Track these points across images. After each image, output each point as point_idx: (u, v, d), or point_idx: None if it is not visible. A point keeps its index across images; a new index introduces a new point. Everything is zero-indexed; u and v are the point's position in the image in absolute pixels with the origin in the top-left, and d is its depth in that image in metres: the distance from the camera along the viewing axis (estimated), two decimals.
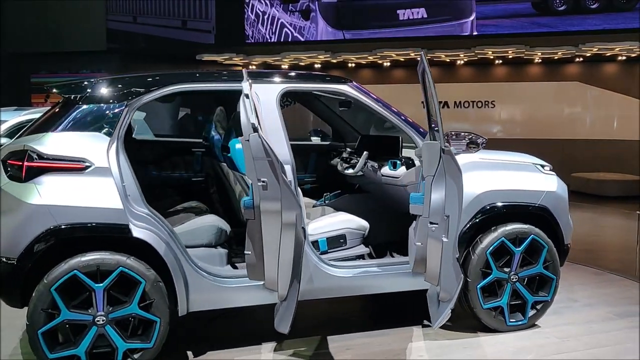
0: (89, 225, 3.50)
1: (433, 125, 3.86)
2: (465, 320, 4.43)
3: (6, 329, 4.37)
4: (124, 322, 3.57)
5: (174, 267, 3.68)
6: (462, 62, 14.26)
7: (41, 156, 3.51)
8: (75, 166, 3.54)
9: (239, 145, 4.03)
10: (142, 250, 3.63)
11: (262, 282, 3.57)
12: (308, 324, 4.39)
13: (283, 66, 14.76)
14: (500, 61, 13.88)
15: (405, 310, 4.89)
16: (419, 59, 3.88)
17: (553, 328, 4.45)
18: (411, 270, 4.06)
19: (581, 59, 13.35)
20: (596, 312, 4.88)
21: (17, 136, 4.06)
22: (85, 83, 3.97)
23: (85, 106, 3.76)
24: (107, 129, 3.69)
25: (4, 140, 6.22)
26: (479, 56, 13.18)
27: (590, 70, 13.64)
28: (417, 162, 4.37)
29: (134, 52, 12.82)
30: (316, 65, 14.90)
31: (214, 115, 4.75)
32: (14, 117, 7.46)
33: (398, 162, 4.52)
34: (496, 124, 14.22)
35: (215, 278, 3.85)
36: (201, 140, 5.32)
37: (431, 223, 3.75)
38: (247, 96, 3.43)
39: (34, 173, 3.50)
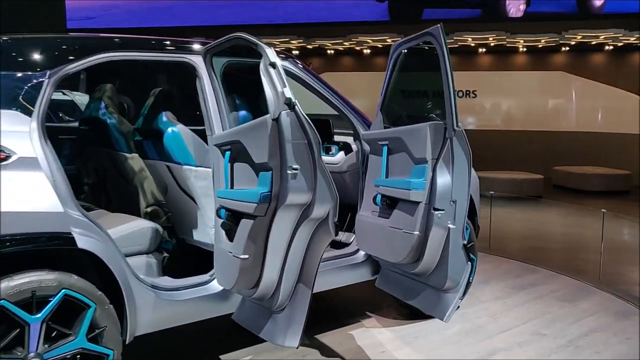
0: (27, 236, 2.61)
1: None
2: (388, 309, 4.42)
3: None
4: None
5: (124, 282, 2.90)
6: None
7: None
8: None
9: (175, 129, 3.49)
10: (82, 264, 2.82)
11: (249, 291, 3.07)
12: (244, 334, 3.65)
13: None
14: (484, 49, 13.32)
15: (329, 307, 4.59)
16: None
17: (475, 308, 4.54)
18: (398, 261, 3.67)
19: (567, 48, 12.87)
20: (494, 288, 5.09)
21: None
22: None
23: None
24: (23, 106, 2.75)
25: None
26: (459, 43, 12.61)
27: (575, 60, 13.18)
28: (354, 147, 4.19)
29: None
30: (294, 52, 14.08)
31: (100, 93, 3.89)
32: None
33: (335, 147, 4.31)
34: (477, 114, 13.60)
35: (162, 292, 3.12)
36: (69, 124, 4.45)
37: (435, 209, 3.44)
38: (273, 65, 2.82)
39: None
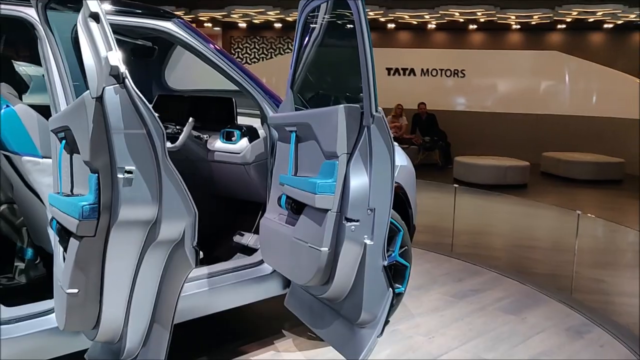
0: None
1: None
2: (304, 326, 3.53)
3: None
4: None
5: None
6: (433, 26, 12.96)
7: None
8: None
9: (11, 108, 2.75)
10: None
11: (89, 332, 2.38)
12: None
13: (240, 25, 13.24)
14: (474, 26, 12.58)
15: (236, 322, 3.86)
16: None
17: (407, 323, 3.94)
18: (304, 283, 2.99)
19: (563, 26, 12.09)
20: (432, 296, 4.47)
21: None
22: None
23: None
24: None
25: None
26: (446, 18, 11.89)
27: (571, 39, 12.40)
28: (261, 133, 3.48)
29: None
30: (276, 25, 13.35)
31: None
32: None
33: (237, 132, 3.51)
34: (466, 95, 12.82)
35: None
36: None
37: (347, 220, 2.72)
38: (95, 17, 2.08)
39: None
